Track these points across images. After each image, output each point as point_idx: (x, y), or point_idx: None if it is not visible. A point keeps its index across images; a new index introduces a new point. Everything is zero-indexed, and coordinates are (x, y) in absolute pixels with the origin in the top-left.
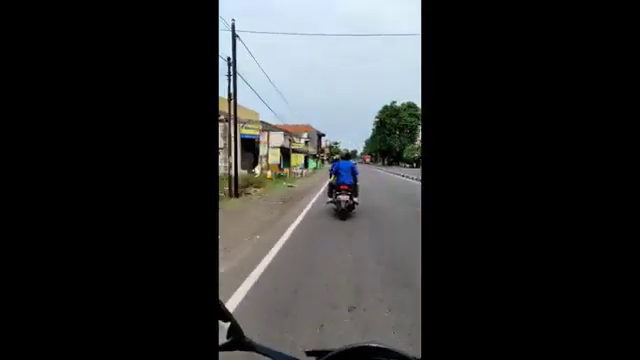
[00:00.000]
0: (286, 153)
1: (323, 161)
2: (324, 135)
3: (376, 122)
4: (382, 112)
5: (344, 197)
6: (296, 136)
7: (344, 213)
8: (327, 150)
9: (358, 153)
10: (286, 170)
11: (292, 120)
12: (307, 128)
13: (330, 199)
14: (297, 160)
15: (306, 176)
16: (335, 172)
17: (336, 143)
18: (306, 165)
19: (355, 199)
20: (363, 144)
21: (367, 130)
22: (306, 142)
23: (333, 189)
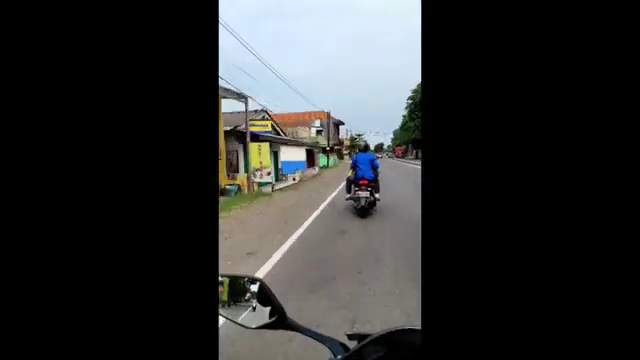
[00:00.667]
0: (274, 147)
1: (342, 156)
2: (343, 124)
3: (409, 104)
4: (417, 91)
5: (364, 193)
6: (302, 124)
7: (364, 210)
8: (347, 142)
9: (385, 145)
10: (241, 179)
11: (305, 107)
12: (320, 114)
13: (349, 195)
14: (264, 157)
15: (297, 185)
16: (353, 166)
17: (359, 135)
18: (312, 163)
19: (376, 195)
20: (391, 135)
21: (396, 119)
22: (318, 132)
23: (352, 185)
